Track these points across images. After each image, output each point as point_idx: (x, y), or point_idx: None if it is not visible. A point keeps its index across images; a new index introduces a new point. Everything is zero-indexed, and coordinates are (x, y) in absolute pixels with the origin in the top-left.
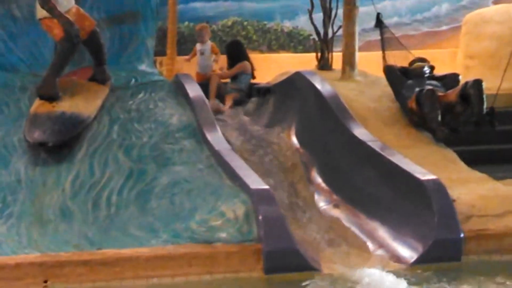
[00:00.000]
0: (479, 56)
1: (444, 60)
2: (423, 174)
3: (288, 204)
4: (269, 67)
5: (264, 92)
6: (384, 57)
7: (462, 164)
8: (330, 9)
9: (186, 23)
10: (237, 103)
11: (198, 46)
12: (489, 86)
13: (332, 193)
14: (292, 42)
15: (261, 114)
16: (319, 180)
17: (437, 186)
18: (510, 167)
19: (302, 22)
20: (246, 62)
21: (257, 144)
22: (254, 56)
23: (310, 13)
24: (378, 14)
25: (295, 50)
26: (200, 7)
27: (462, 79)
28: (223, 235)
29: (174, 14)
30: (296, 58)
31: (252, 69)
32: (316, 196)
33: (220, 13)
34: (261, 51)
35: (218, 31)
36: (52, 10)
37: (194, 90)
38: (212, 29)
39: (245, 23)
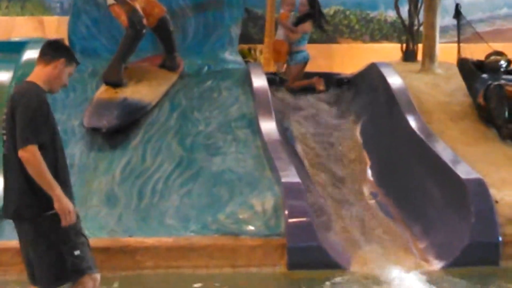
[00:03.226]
0: None
1: None
2: (467, 173)
3: (333, 198)
4: (370, 58)
5: (344, 82)
6: (459, 50)
7: None
8: None
9: None
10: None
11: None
12: None
13: (379, 189)
14: (396, 32)
15: (338, 104)
16: (370, 175)
17: (479, 186)
18: None
19: (406, 12)
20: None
21: (323, 134)
22: (356, 46)
23: (396, 2)
24: (457, 5)
25: (399, 41)
26: None
27: None
28: (249, 228)
29: (273, 2)
30: (397, 49)
31: None
32: (364, 191)
33: (322, 2)
34: (363, 41)
35: None
36: None
37: (259, 80)
38: None
39: (348, 12)
